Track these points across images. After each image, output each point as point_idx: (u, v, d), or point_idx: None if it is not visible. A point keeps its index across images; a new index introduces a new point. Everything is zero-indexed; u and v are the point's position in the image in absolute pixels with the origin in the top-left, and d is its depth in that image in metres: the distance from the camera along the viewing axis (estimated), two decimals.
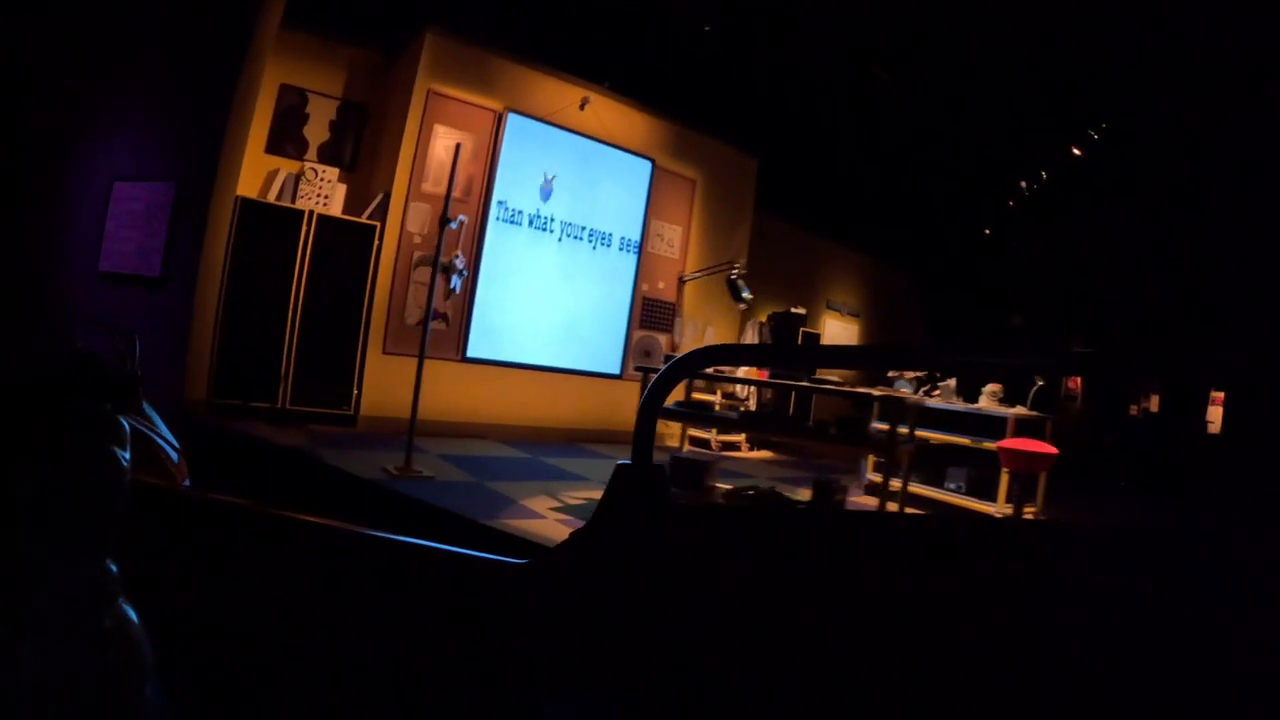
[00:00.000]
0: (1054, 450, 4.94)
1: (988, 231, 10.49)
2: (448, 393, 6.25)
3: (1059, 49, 7.70)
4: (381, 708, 0.99)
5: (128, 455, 0.74)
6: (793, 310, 9.41)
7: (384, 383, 5.96)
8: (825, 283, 10.53)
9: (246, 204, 5.43)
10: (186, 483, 2.11)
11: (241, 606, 1.06)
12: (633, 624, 0.93)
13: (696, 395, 7.65)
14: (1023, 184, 9.28)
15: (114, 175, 5.91)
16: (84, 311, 5.88)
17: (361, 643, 1.02)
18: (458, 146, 4.59)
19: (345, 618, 1.04)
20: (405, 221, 6.01)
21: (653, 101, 7.26)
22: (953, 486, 5.67)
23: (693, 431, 7.63)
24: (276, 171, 5.80)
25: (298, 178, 5.72)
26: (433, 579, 1.03)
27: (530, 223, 6.63)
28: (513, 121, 6.39)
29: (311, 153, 6.30)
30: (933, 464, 5.91)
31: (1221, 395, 9.88)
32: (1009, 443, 5.05)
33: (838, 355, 2.92)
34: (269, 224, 5.53)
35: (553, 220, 6.75)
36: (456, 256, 4.87)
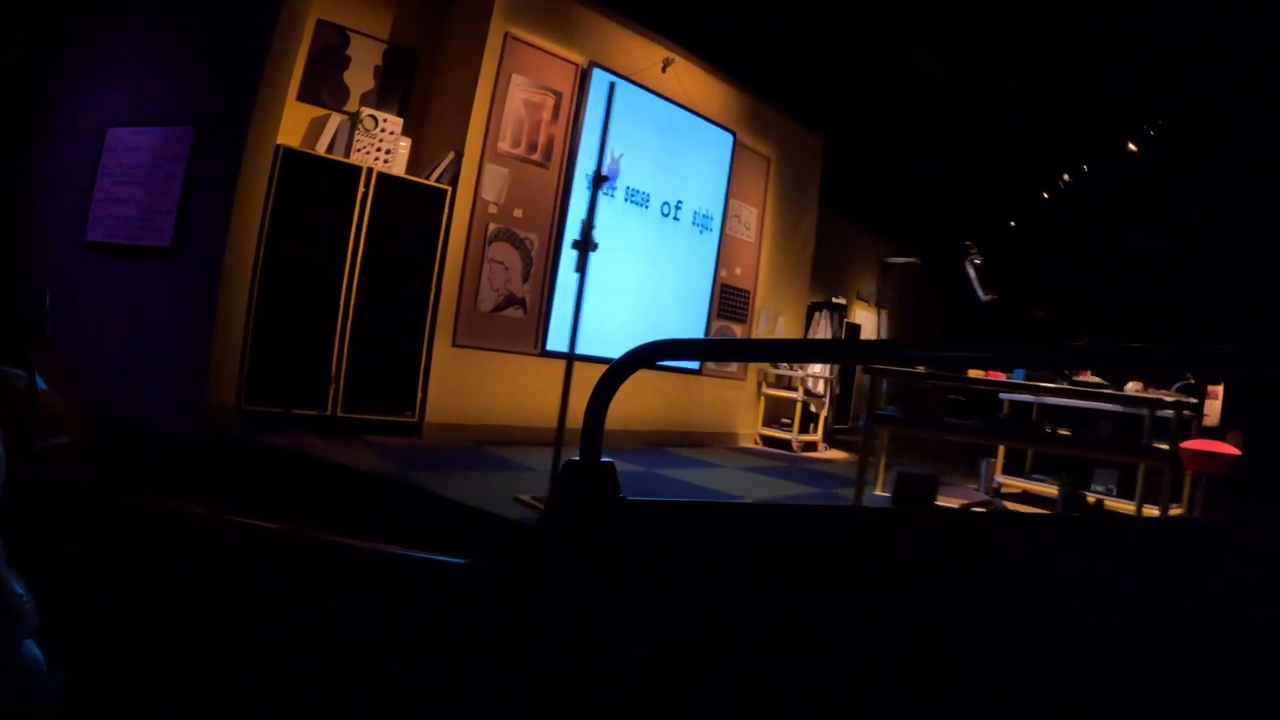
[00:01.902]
0: (1237, 451, 4.04)
1: (1013, 224, 9.64)
2: (523, 392, 4.88)
3: (1107, 41, 6.82)
4: (309, 707, 0.86)
5: None
6: (834, 300, 8.38)
7: (453, 382, 4.54)
8: (853, 272, 9.53)
9: (290, 156, 3.91)
10: (64, 439, 1.91)
11: (163, 606, 0.91)
12: (579, 624, 0.80)
13: (769, 391, 6.50)
14: (1065, 177, 8.42)
15: (108, 119, 4.26)
16: (69, 291, 4.20)
17: (294, 644, 0.89)
18: (612, 86, 3.23)
19: (275, 619, 0.90)
20: (479, 188, 4.58)
21: (732, 69, 6.00)
22: (1101, 489, 4.73)
23: (765, 430, 6.48)
24: (327, 118, 4.27)
25: (353, 126, 4.20)
26: (368, 579, 0.92)
27: (620, 194, 5.28)
28: (598, 78, 5.01)
29: (353, 103, 4.77)
30: (1069, 464, 4.96)
31: (1219, 389, 9.30)
32: (1194, 444, 4.12)
33: (800, 349, 2.65)
34: (317, 182, 4.04)
35: (638, 193, 5.42)
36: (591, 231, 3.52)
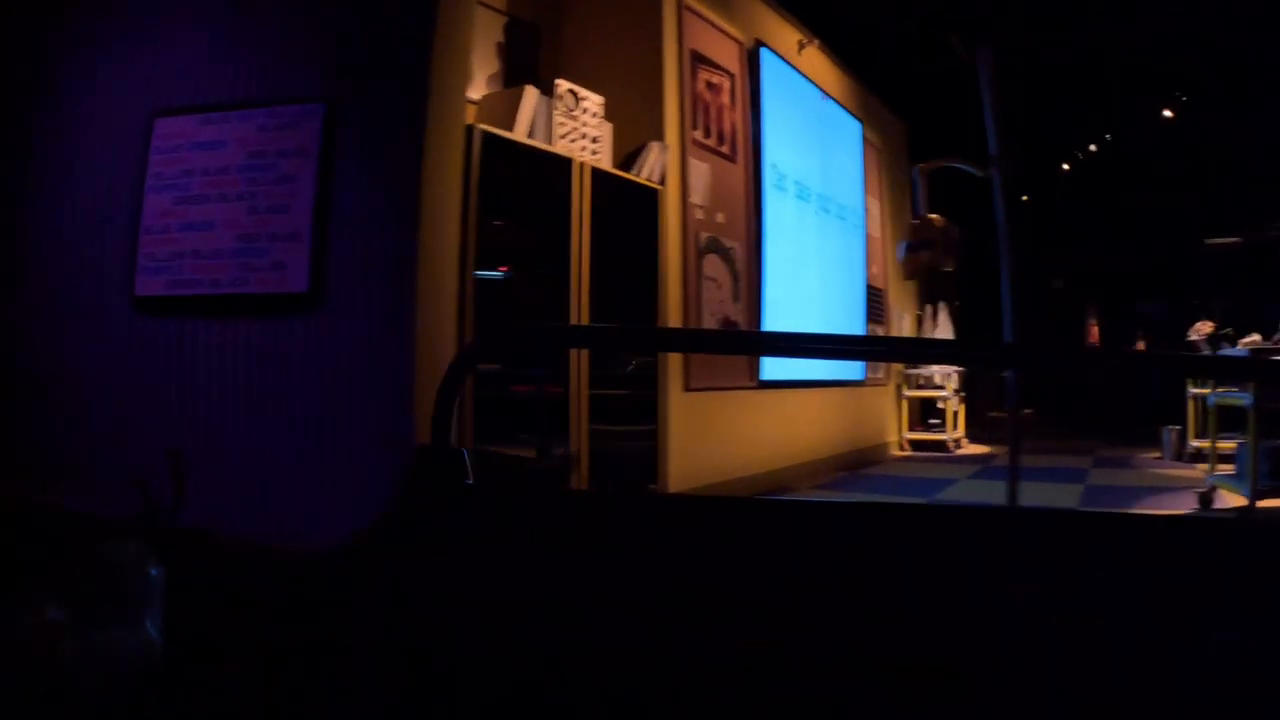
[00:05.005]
0: None
1: (1025, 198, 9.19)
2: (741, 433, 3.57)
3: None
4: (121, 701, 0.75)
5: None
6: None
7: (691, 436, 3.18)
8: None
9: (490, 143, 2.38)
10: None
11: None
12: (430, 616, 0.69)
13: (910, 393, 5.51)
14: (1091, 147, 8.02)
15: (152, 104, 2.47)
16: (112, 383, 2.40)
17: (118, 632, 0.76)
18: (988, 55, 2.40)
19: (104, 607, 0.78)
20: (686, 189, 3.19)
21: (845, 53, 4.97)
22: None
23: (913, 435, 5.48)
24: (520, 92, 2.71)
25: (549, 106, 2.69)
26: (207, 567, 0.83)
27: (796, 191, 4.06)
28: (766, 59, 3.78)
29: (479, 86, 3.24)
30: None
31: None
32: None
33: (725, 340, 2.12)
34: (522, 181, 2.50)
35: (810, 190, 4.22)
36: (947, 225, 2.30)
